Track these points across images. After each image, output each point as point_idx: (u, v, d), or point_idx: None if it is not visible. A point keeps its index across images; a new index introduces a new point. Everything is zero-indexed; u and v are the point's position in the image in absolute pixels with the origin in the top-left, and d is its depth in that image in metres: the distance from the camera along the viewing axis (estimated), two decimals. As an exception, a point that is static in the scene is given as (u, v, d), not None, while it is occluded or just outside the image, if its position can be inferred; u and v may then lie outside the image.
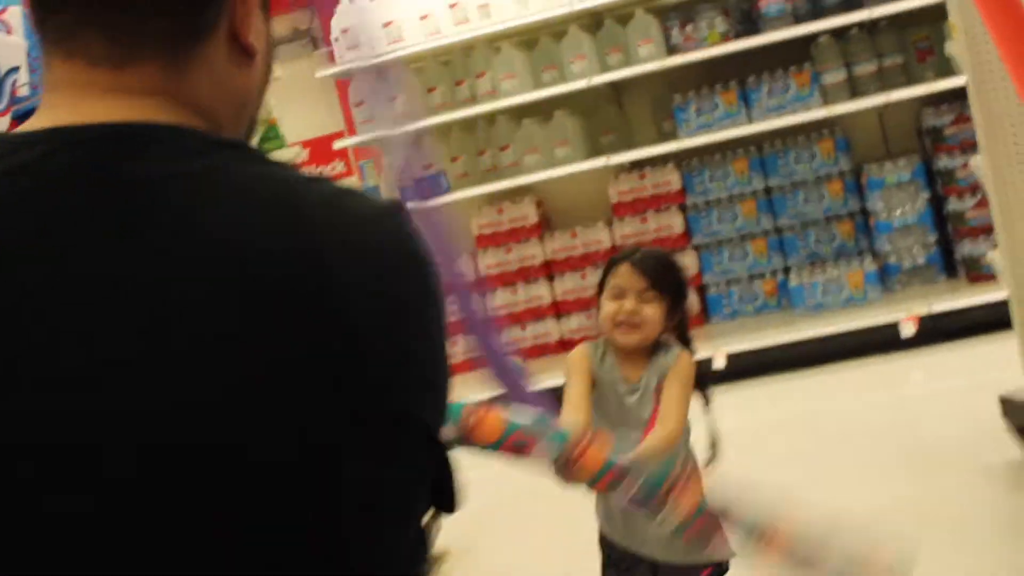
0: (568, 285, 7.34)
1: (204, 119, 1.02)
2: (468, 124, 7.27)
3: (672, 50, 6.77)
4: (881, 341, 6.39)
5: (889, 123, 7.15)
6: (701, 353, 3.12)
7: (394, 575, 0.99)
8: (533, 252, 7.34)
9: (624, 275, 2.91)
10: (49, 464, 0.88)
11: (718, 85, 6.84)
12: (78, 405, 0.89)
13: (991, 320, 6.03)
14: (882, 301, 6.70)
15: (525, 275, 7.37)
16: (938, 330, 6.34)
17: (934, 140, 6.72)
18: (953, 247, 6.79)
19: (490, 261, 7.34)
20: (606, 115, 7.14)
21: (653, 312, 2.88)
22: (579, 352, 2.96)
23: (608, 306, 2.91)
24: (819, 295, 6.78)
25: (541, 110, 7.09)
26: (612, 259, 3.01)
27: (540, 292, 7.37)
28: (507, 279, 7.35)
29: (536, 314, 7.38)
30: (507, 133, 7.16)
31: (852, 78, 6.74)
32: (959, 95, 6.34)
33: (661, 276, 2.92)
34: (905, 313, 6.38)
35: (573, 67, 6.82)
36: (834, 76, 6.72)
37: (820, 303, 6.78)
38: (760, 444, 5.20)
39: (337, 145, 7.48)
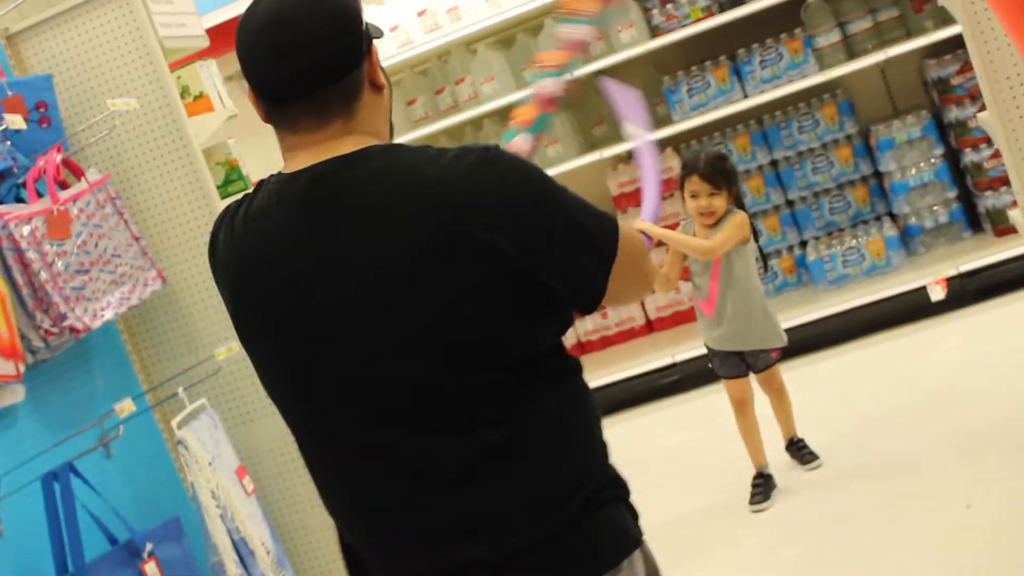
0: (579, 286, 7.06)
1: (371, 135, 1.89)
2: (455, 132, 7.04)
3: (655, 31, 6.50)
4: (910, 308, 6.12)
5: (892, 80, 6.86)
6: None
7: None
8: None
9: (695, 183, 4.51)
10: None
11: (708, 62, 6.58)
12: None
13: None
14: (907, 266, 6.42)
15: (533, 281, 7.10)
16: (969, 290, 6.07)
17: (941, 92, 6.41)
18: (975, 201, 6.49)
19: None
20: (595, 107, 6.88)
21: (720, 201, 4.51)
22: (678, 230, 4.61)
23: (690, 203, 4.54)
24: (840, 267, 6.49)
25: (527, 110, 6.82)
26: (685, 168, 4.56)
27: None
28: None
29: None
30: (495, 138, 6.88)
31: (847, 38, 6.46)
32: (962, 42, 6.03)
33: (720, 176, 4.49)
34: (932, 276, 6.10)
35: (554, 62, 6.53)
36: (828, 38, 6.43)
37: (842, 275, 6.49)
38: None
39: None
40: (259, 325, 1.90)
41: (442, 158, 1.79)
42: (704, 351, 6.07)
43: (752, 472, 4.76)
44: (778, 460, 4.87)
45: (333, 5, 1.83)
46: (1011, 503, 3.93)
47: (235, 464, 3.80)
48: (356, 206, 1.79)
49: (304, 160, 1.85)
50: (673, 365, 6.41)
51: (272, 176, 1.92)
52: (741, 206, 4.68)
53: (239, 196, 2.13)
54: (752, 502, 4.67)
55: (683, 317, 6.89)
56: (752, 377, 4.78)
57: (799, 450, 4.85)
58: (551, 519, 1.80)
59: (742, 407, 4.76)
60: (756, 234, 4.70)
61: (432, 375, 1.78)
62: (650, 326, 7.04)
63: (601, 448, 1.91)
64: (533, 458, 1.81)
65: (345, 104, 1.84)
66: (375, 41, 1.93)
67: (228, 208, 1.97)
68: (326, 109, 1.83)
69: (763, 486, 4.71)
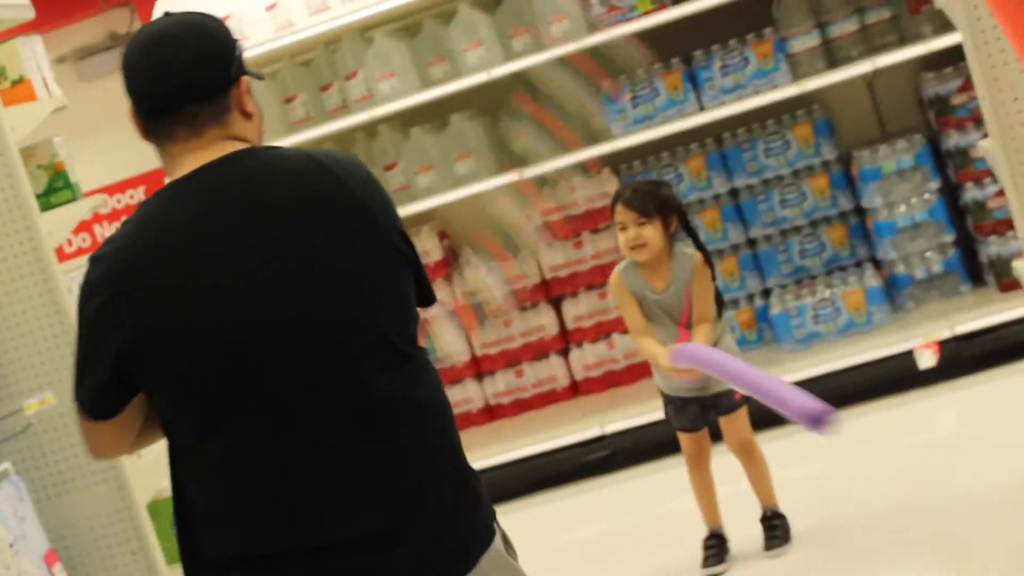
0: (490, 336, 7.08)
1: (249, 143, 2.65)
2: (342, 139, 7.02)
3: (593, 26, 6.54)
4: (893, 377, 6.20)
5: (881, 96, 6.97)
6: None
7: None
8: (440, 296, 7.08)
9: (620, 212, 4.85)
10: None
11: (656, 65, 6.61)
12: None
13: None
14: (891, 324, 6.51)
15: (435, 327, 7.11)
16: (966, 357, 6.15)
17: (939, 112, 6.53)
18: (976, 247, 6.59)
19: (387, 313, 7.03)
20: (516, 115, 6.90)
21: (651, 232, 4.79)
22: (615, 280, 4.96)
23: (620, 237, 4.86)
24: (809, 323, 6.56)
25: (433, 115, 6.86)
26: (613, 199, 4.93)
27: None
28: (411, 334, 7.06)
29: (452, 376, 7.11)
30: (392, 147, 6.93)
31: (828, 43, 6.56)
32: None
33: (647, 203, 4.81)
34: (921, 338, 6.19)
35: (468, 57, 6.59)
36: (804, 41, 6.53)
37: (812, 333, 6.56)
38: (748, 519, 5.01)
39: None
40: (219, 315, 2.47)
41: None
42: (640, 421, 6.15)
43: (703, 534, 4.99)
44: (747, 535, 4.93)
45: (209, 35, 2.58)
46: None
47: (44, 547, 3.73)
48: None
49: (191, 163, 2.55)
50: (602, 438, 6.41)
51: (159, 192, 2.56)
52: (694, 237, 4.97)
53: (118, 224, 2.77)
54: (705, 565, 4.91)
55: (615, 378, 6.91)
56: (707, 436, 5.01)
57: (771, 527, 5.00)
58: None
59: (697, 462, 5.03)
60: (712, 269, 4.96)
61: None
62: (575, 388, 7.04)
63: None
64: None
65: (216, 118, 2.57)
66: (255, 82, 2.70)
67: (115, 244, 2.51)
68: (198, 121, 2.56)
69: (717, 547, 4.96)
